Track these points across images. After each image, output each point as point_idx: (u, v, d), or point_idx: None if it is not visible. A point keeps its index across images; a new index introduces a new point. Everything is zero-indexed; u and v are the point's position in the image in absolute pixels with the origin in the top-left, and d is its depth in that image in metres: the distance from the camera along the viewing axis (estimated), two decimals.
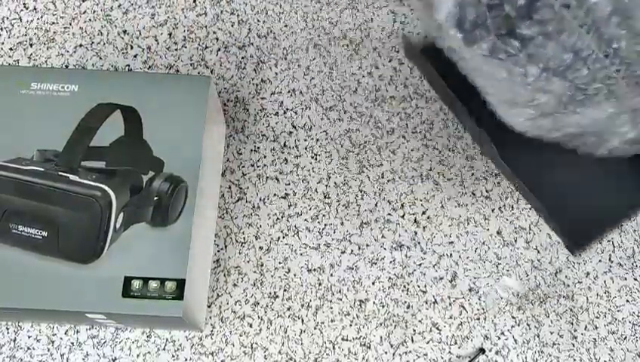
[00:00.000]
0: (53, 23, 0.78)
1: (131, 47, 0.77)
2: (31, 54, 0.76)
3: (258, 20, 0.79)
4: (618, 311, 0.68)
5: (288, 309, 0.67)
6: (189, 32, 0.78)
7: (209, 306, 0.67)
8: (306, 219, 0.70)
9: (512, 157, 0.64)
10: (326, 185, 0.72)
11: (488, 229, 0.70)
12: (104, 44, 0.77)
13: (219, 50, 0.77)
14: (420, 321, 0.67)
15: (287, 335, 0.66)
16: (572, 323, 0.67)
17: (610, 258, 0.70)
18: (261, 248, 0.69)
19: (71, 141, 0.60)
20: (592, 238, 0.63)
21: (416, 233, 0.70)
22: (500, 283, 0.68)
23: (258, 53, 0.77)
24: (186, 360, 0.65)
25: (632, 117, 0.54)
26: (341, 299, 0.68)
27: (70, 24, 0.78)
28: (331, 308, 0.67)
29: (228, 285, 0.68)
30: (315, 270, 0.68)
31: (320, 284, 0.68)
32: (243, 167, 0.73)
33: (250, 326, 0.66)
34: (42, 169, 0.59)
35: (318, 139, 0.73)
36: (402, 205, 0.71)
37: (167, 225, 0.58)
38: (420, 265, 0.69)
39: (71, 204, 0.57)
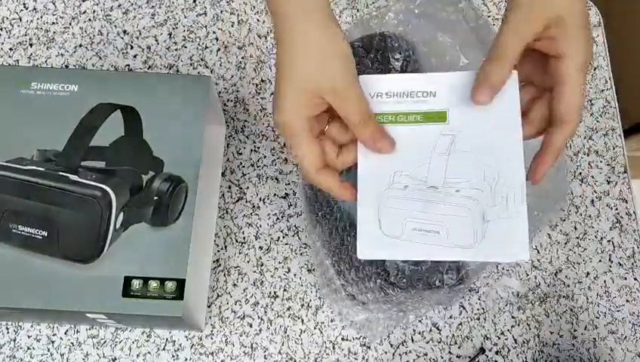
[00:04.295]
0: (53, 23, 0.78)
1: (131, 47, 0.77)
2: (31, 54, 0.76)
3: (258, 20, 0.79)
4: (618, 311, 0.68)
5: (288, 309, 0.67)
6: (189, 32, 0.78)
7: (209, 306, 0.67)
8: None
9: None
10: None
11: None
12: (104, 44, 0.77)
13: (219, 50, 0.77)
14: (420, 321, 0.67)
15: (287, 335, 0.66)
16: (572, 323, 0.67)
17: (610, 258, 0.70)
18: (261, 248, 0.69)
19: (71, 141, 0.60)
20: None
21: None
22: (499, 283, 0.68)
23: (258, 53, 0.77)
24: (186, 360, 0.65)
25: None
26: None
27: (70, 24, 0.78)
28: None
29: (228, 285, 0.68)
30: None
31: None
32: (243, 167, 0.73)
33: (250, 326, 0.66)
34: (42, 169, 0.59)
35: None
36: None
37: (167, 225, 0.58)
38: None
39: (71, 204, 0.57)
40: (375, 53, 0.63)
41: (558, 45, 0.44)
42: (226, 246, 0.69)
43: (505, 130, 0.49)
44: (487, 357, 0.66)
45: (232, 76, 0.76)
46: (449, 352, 0.66)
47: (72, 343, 0.65)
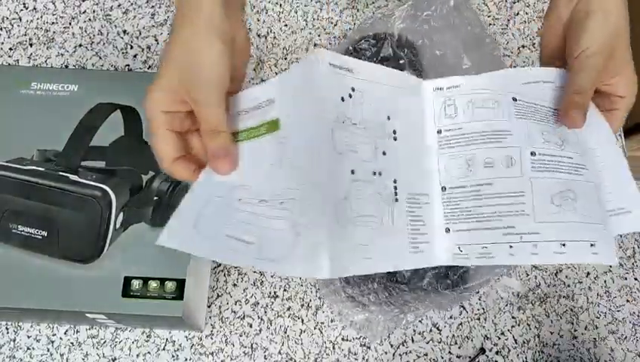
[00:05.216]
0: (53, 22, 0.78)
1: (131, 47, 0.77)
2: (31, 54, 0.76)
3: (258, 20, 0.79)
4: (618, 311, 0.68)
5: (288, 309, 0.67)
6: None
7: (209, 306, 0.67)
8: None
9: None
10: None
11: None
12: (104, 44, 0.77)
13: None
14: (420, 321, 0.67)
15: (287, 335, 0.66)
16: (572, 323, 0.67)
17: None
18: None
19: (71, 141, 0.60)
20: None
21: None
22: (500, 283, 0.68)
23: (258, 52, 0.77)
24: (185, 360, 0.65)
25: None
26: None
27: (70, 24, 0.78)
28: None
29: (228, 285, 0.68)
30: None
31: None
32: None
33: (250, 326, 0.66)
34: (42, 169, 0.59)
35: None
36: None
37: None
38: None
39: (71, 204, 0.57)
40: (377, 56, 0.63)
41: (619, 89, 0.51)
42: None
43: (317, 123, 0.47)
44: (488, 357, 0.66)
45: None
46: (449, 352, 0.66)
47: (72, 343, 0.65)
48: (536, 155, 0.50)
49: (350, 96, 0.49)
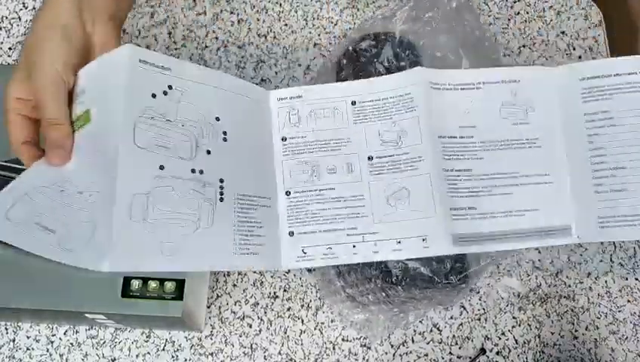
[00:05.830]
0: None
1: None
2: None
3: (258, 19, 0.78)
4: (619, 311, 0.68)
5: (288, 310, 0.67)
6: (188, 31, 0.78)
7: (209, 306, 0.67)
8: None
9: None
10: None
11: None
12: None
13: (218, 49, 0.77)
14: (420, 321, 0.67)
15: (287, 335, 0.66)
16: (573, 324, 0.67)
17: (612, 258, 0.70)
18: None
19: None
20: None
21: None
22: (500, 284, 0.68)
23: (258, 52, 0.77)
24: (185, 360, 0.65)
25: None
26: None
27: None
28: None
29: (228, 285, 0.68)
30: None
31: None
32: None
33: (250, 326, 0.66)
34: None
35: None
36: None
37: None
38: None
39: None
40: (378, 56, 0.63)
41: None
42: None
43: (120, 116, 0.46)
44: (488, 357, 0.66)
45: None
46: (450, 353, 0.66)
47: (72, 343, 0.65)
48: (373, 159, 0.53)
49: (165, 93, 0.48)
